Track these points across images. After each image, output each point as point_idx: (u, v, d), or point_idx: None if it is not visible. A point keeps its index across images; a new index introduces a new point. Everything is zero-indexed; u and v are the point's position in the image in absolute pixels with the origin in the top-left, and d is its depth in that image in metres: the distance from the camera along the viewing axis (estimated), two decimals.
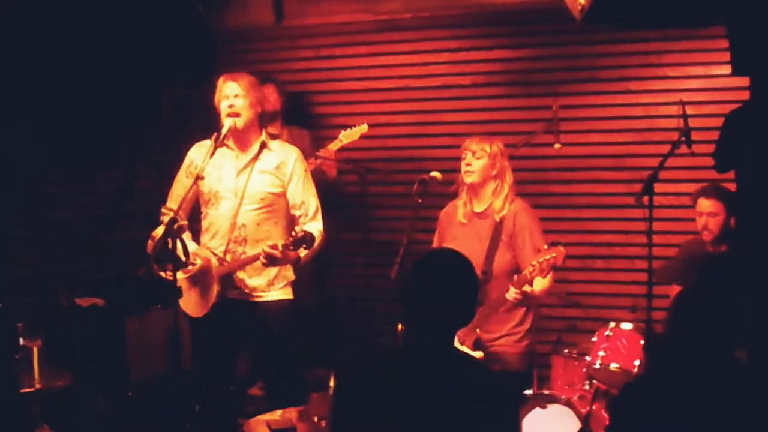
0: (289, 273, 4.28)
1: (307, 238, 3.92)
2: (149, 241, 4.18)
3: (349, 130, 5.35)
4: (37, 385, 4.13)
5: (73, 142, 5.27)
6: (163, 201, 4.32)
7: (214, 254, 4.14)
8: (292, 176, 4.18)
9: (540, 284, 3.97)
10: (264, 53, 6.15)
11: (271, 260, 3.95)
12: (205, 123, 4.34)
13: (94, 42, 4.63)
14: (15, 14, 4.41)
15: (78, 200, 5.66)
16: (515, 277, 3.92)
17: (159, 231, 4.01)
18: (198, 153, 4.22)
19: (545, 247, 3.86)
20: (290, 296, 4.27)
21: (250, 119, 4.13)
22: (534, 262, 3.80)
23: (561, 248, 3.80)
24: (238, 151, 4.18)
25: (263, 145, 4.18)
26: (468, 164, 4.07)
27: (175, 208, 4.19)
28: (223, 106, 4.11)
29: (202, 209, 4.23)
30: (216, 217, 4.16)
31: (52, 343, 4.49)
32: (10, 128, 4.88)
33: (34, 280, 5.29)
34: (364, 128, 5.35)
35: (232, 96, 4.09)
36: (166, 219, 4.18)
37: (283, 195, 4.19)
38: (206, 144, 4.17)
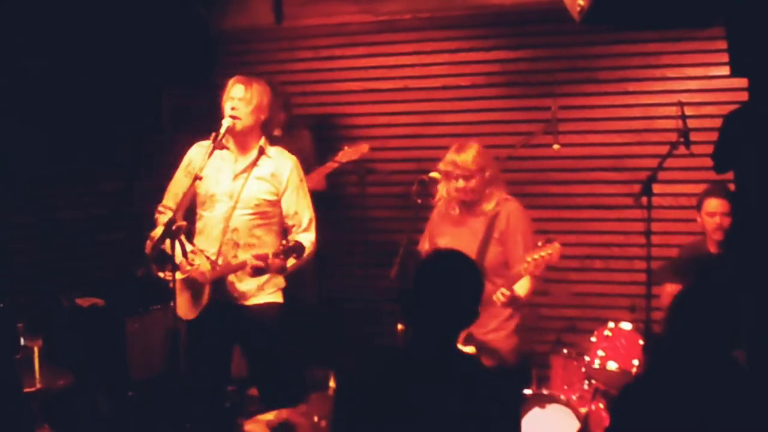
0: (279, 280, 4.23)
1: (297, 248, 3.86)
2: (147, 242, 4.18)
3: (348, 148, 5.28)
4: (38, 385, 4.13)
5: (74, 143, 5.30)
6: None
7: (207, 257, 4.14)
8: (287, 186, 4.16)
9: (523, 288, 3.86)
10: (264, 54, 6.15)
11: (257, 271, 3.93)
12: (204, 124, 4.35)
13: (95, 43, 4.64)
14: (16, 15, 4.42)
15: (78, 200, 5.66)
16: (505, 277, 3.81)
17: (157, 232, 4.01)
18: (198, 153, 4.21)
19: (540, 244, 3.70)
20: (280, 300, 4.24)
21: (249, 125, 4.10)
22: (529, 259, 3.67)
23: (557, 245, 3.65)
24: (237, 153, 4.17)
25: (261, 151, 4.15)
26: (459, 188, 3.99)
27: (172, 206, 4.20)
28: (226, 107, 4.10)
29: (198, 211, 4.21)
30: (210, 220, 4.14)
31: (53, 343, 4.49)
32: (11, 128, 4.90)
33: (34, 280, 5.29)
34: (364, 149, 5.28)
35: (237, 99, 4.08)
36: (163, 217, 4.20)
37: (277, 203, 4.16)
38: (206, 144, 4.17)
